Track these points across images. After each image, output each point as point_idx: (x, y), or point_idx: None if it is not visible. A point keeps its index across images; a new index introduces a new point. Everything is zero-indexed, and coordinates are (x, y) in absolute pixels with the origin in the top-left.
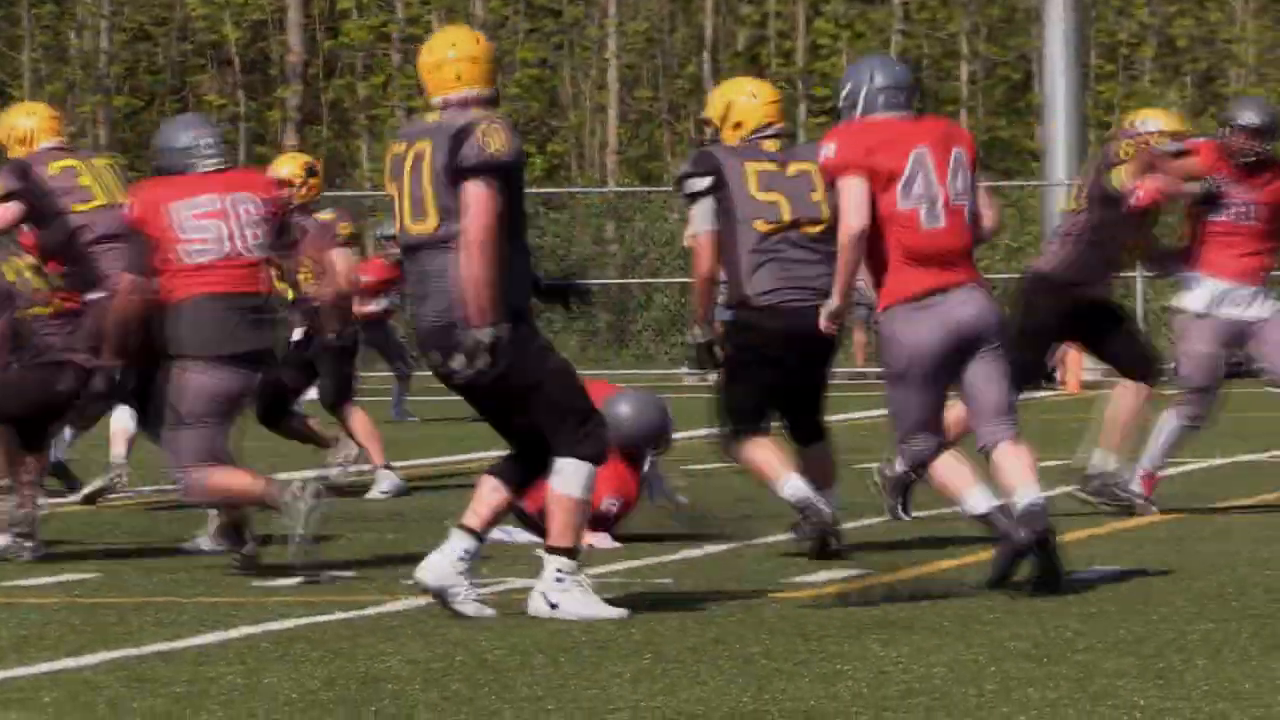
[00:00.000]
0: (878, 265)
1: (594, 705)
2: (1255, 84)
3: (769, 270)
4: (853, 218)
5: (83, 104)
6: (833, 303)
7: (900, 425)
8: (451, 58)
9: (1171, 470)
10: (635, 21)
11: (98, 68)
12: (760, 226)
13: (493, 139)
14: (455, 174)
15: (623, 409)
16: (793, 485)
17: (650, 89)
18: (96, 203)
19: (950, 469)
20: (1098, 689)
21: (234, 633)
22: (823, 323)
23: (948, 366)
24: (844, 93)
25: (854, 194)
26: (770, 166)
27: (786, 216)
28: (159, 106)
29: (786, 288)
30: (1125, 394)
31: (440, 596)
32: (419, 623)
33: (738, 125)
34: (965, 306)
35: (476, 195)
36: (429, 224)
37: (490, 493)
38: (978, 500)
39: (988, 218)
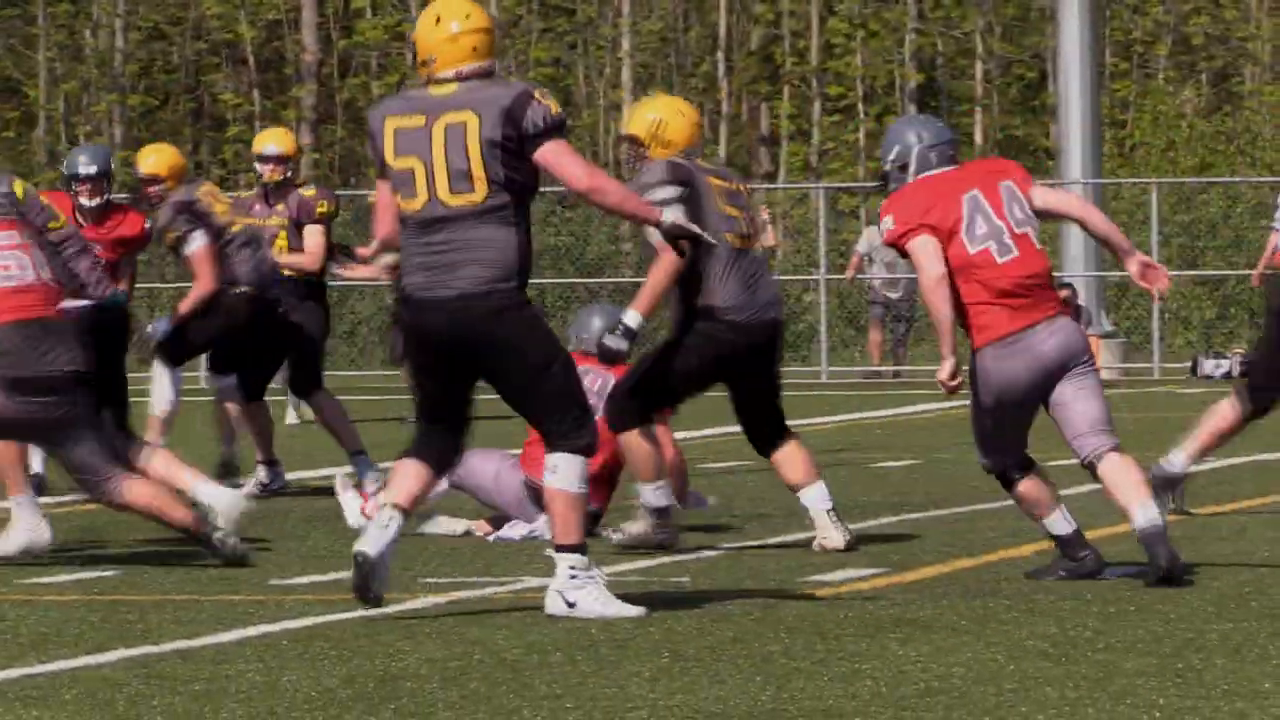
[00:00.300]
0: (963, 313)
1: (612, 704)
2: (1270, 81)
3: (737, 284)
4: (930, 266)
5: (98, 103)
6: (947, 365)
7: (980, 442)
8: (457, 30)
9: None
10: (649, 21)
11: (113, 66)
12: (732, 240)
13: (551, 102)
14: (518, 143)
15: (596, 321)
16: (659, 494)
17: (664, 88)
18: (60, 222)
19: (1035, 489)
20: (1117, 688)
21: (252, 631)
22: (944, 383)
23: (1036, 397)
24: (891, 156)
25: (925, 249)
26: (724, 183)
27: (746, 230)
28: (174, 105)
29: (750, 305)
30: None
31: (374, 568)
32: (437, 621)
33: (667, 144)
34: (1050, 340)
35: (563, 152)
36: (476, 195)
37: (409, 471)
38: (1059, 524)
39: (1075, 206)
